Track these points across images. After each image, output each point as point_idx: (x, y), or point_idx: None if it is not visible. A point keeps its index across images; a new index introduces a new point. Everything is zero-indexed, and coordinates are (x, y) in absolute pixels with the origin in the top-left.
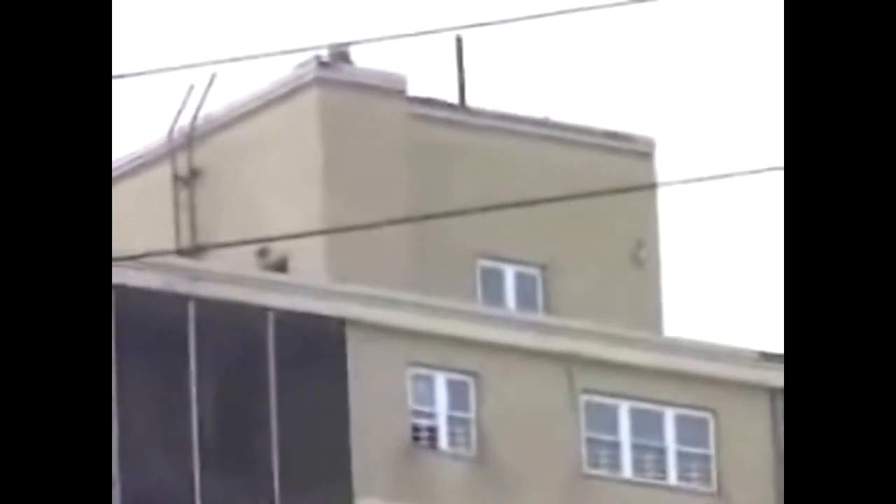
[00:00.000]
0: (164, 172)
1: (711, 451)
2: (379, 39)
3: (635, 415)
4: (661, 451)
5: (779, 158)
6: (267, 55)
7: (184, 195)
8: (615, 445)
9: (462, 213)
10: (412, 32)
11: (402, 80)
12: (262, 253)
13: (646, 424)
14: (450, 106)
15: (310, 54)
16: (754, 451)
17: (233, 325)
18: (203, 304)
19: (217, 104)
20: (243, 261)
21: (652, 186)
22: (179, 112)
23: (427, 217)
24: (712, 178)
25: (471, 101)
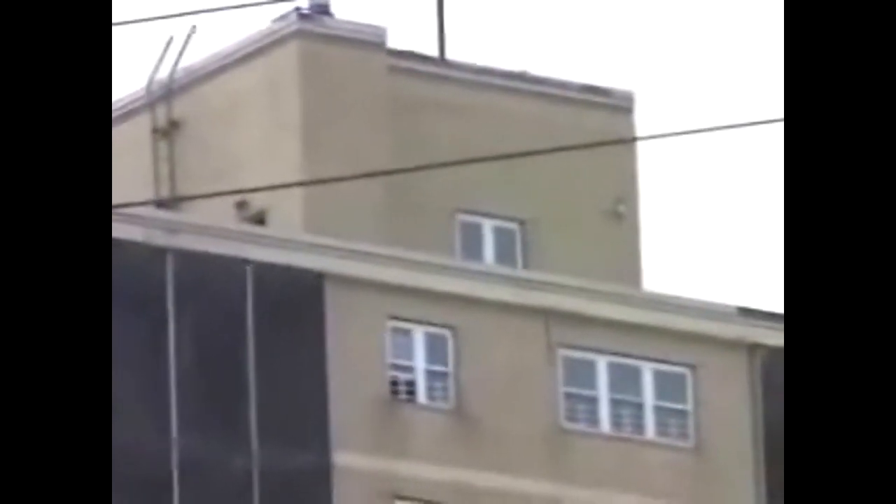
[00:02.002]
0: (143, 124)
1: (689, 406)
2: None
3: (613, 370)
4: (639, 407)
5: (764, 112)
6: (247, 6)
7: (163, 147)
8: (593, 400)
9: (440, 166)
10: None
11: (382, 33)
12: (241, 206)
13: (624, 379)
14: (430, 59)
15: (290, 6)
16: (732, 406)
17: (211, 278)
18: (181, 256)
19: (196, 56)
20: (222, 214)
21: (631, 140)
22: (158, 64)
23: (405, 170)
24: (692, 132)
25: (451, 55)
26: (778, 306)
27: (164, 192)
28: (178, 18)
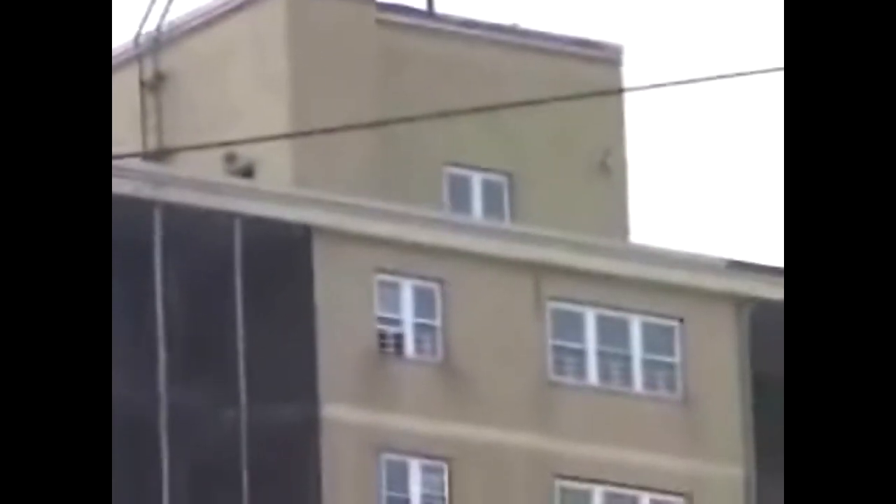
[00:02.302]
0: (130, 77)
1: (677, 359)
2: None
3: (601, 322)
4: (627, 359)
5: (750, 63)
6: None
7: (150, 100)
8: (581, 353)
9: (428, 117)
10: None
11: None
12: (229, 159)
13: (612, 332)
14: (418, 12)
15: None
16: (720, 358)
17: (199, 232)
18: (169, 209)
19: (184, 9)
20: (210, 167)
21: (619, 92)
22: (146, 17)
23: (393, 121)
24: (679, 82)
25: (439, 8)
26: (767, 259)
27: (152, 145)
28: None
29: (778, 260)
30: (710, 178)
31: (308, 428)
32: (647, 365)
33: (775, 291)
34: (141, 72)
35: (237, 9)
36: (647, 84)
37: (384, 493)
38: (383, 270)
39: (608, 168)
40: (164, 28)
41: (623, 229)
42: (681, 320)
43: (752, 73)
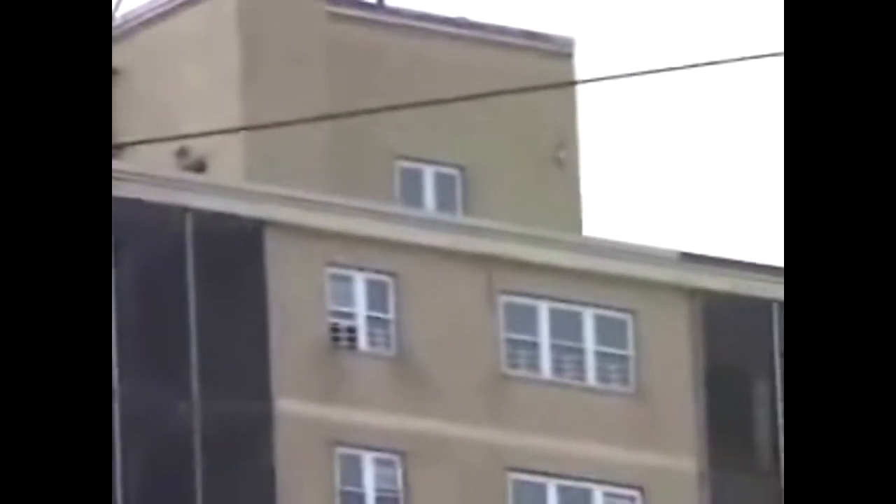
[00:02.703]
0: None
1: (630, 351)
2: None
3: (554, 315)
4: (580, 352)
5: (700, 55)
6: None
7: None
8: (534, 346)
9: (378, 111)
10: None
11: None
12: (181, 153)
13: (565, 325)
14: (369, 5)
15: None
16: (673, 351)
17: (151, 226)
18: (121, 204)
19: (135, 3)
20: (162, 162)
21: (570, 84)
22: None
23: (344, 115)
24: (629, 74)
25: (389, 1)
26: (719, 251)
27: None
28: None
29: (730, 252)
30: (663, 170)
31: (262, 422)
32: (601, 358)
33: (727, 283)
34: None
35: (189, 3)
36: (599, 76)
37: (338, 487)
38: (336, 264)
39: (561, 161)
40: (116, 23)
41: (576, 223)
42: (633, 313)
43: (701, 64)
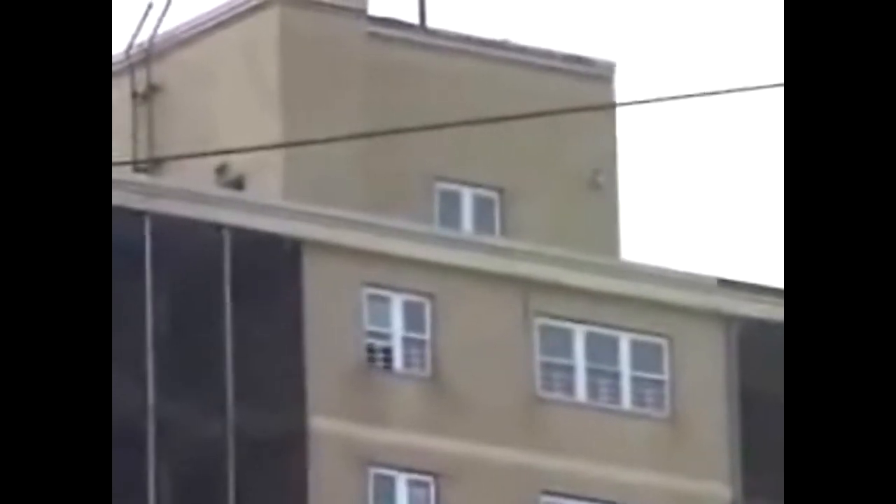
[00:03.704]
0: (122, 89)
1: (666, 376)
2: None
3: (590, 339)
4: (616, 376)
5: (741, 80)
6: None
7: (142, 111)
8: (570, 369)
9: (418, 129)
10: None
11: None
12: (221, 170)
13: (601, 349)
14: (410, 26)
15: None
16: (708, 377)
17: (189, 243)
18: (159, 220)
19: (176, 21)
20: (201, 179)
21: (610, 107)
22: (138, 28)
23: (383, 133)
24: (670, 98)
25: (431, 22)
26: (757, 278)
27: (143, 156)
28: None
29: (768, 279)
30: (702, 196)
31: (296, 440)
32: (636, 382)
33: (764, 310)
34: (133, 83)
35: (229, 21)
36: (639, 100)
37: None
38: (373, 284)
39: (599, 185)
40: (157, 40)
41: (613, 246)
42: (669, 338)
43: (743, 89)
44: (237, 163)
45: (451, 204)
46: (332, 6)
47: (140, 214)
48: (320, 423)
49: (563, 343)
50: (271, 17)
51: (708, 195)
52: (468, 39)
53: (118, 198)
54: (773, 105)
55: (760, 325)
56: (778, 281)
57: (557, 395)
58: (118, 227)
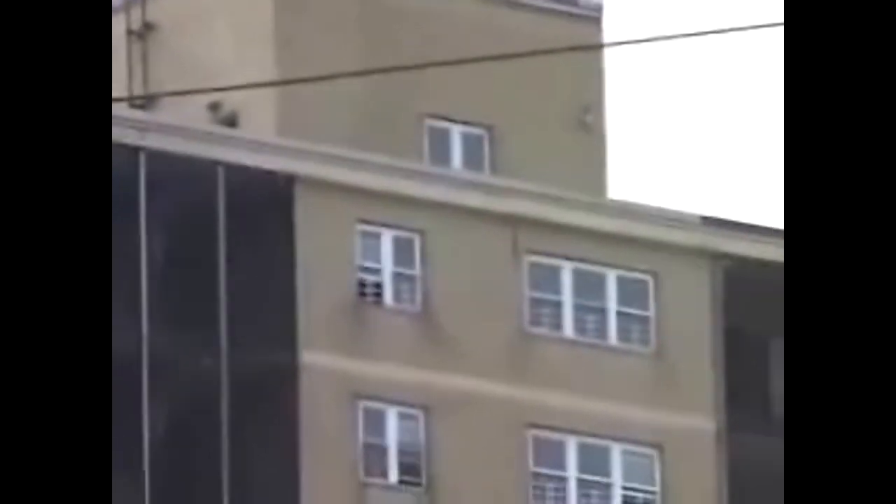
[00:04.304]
0: (118, 26)
1: (651, 312)
2: None
3: (577, 275)
4: (602, 312)
5: (724, 21)
6: None
7: (137, 49)
8: (557, 305)
9: (409, 68)
10: None
11: None
12: (214, 107)
13: (588, 285)
14: None
15: None
16: (693, 313)
17: (183, 179)
18: (153, 156)
19: None
20: (195, 116)
21: (598, 47)
22: None
23: (375, 72)
24: (656, 39)
25: None
26: (742, 216)
27: (138, 93)
28: None
29: (753, 217)
30: (689, 135)
31: (287, 374)
32: (622, 318)
33: (749, 248)
34: (128, 21)
35: None
36: (627, 40)
37: (361, 439)
38: (363, 220)
39: (587, 124)
40: None
41: (601, 185)
42: (655, 275)
43: (728, 30)
44: (230, 100)
45: (440, 141)
46: None
47: (135, 150)
48: (312, 358)
49: (550, 279)
50: None
51: (694, 135)
52: None
53: (114, 133)
54: (757, 45)
55: (745, 262)
56: (763, 219)
57: (545, 331)
58: (114, 163)
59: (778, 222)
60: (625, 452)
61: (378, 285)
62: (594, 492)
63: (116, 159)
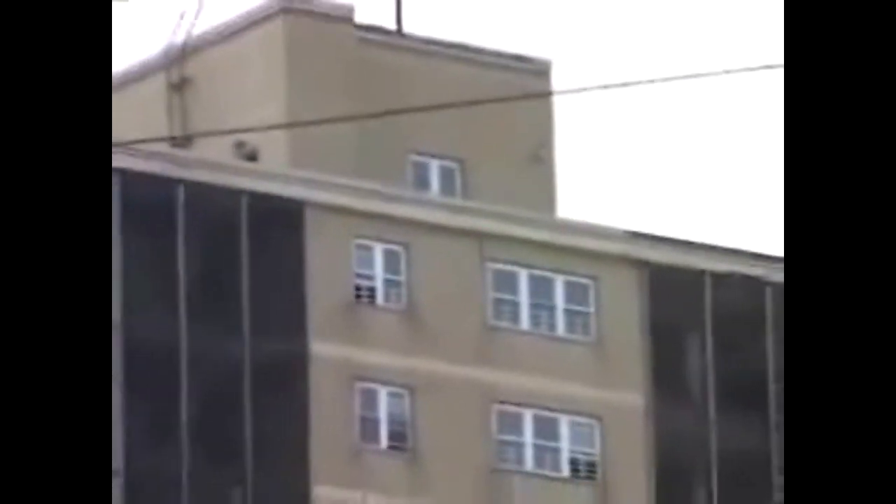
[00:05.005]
0: (160, 80)
1: (592, 309)
2: None
3: (532, 280)
4: (552, 309)
5: (649, 73)
6: None
7: (176, 99)
8: (515, 304)
9: (395, 113)
10: None
11: (350, 10)
12: (239, 146)
13: (540, 287)
14: (388, 32)
15: None
16: (625, 309)
17: (213, 204)
18: (190, 185)
19: (204, 27)
20: (222, 152)
21: (547, 94)
22: (173, 32)
23: (368, 116)
24: (598, 88)
25: (407, 28)
26: (665, 231)
27: (177, 134)
28: None
29: (673, 231)
30: (621, 165)
31: (298, 360)
32: (568, 314)
33: (670, 257)
34: (168, 76)
35: (245, 27)
36: (572, 89)
37: (358, 414)
38: (359, 236)
39: (540, 157)
40: (188, 41)
41: (551, 206)
42: (595, 279)
43: (650, 81)
44: (251, 140)
45: (421, 172)
46: (326, 16)
47: (175, 181)
48: (318, 347)
49: (510, 282)
50: (278, 24)
51: (626, 164)
52: (436, 42)
53: (157, 167)
54: (670, 94)
55: (668, 268)
56: (680, 232)
57: (506, 324)
58: (157, 191)
59: (692, 235)
60: (571, 423)
61: (371, 289)
62: (546, 455)
63: (160, 188)
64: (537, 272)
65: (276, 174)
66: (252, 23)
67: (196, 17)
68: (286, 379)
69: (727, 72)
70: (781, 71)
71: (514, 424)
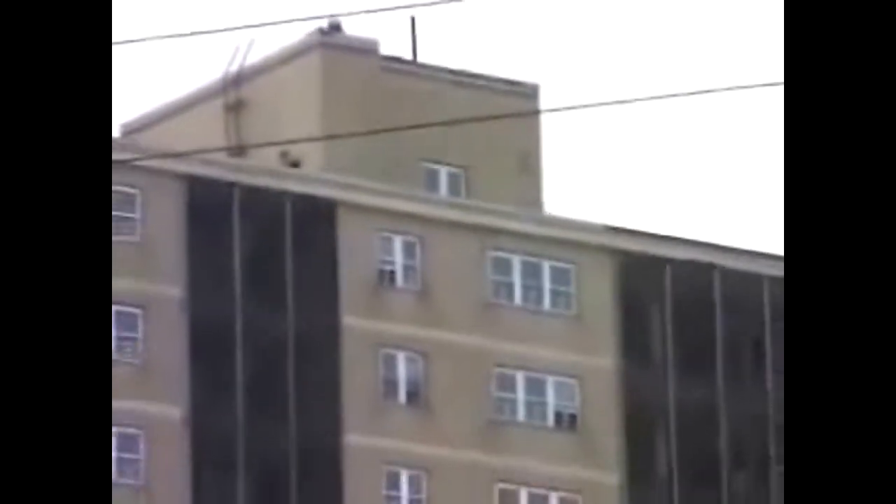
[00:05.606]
0: (219, 103)
1: (573, 289)
2: (366, 12)
3: (524, 265)
4: (540, 288)
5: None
6: (283, 22)
7: (232, 118)
8: (510, 284)
9: (409, 128)
10: (389, 7)
11: (374, 44)
12: (283, 155)
13: (531, 272)
14: (407, 62)
15: (314, 25)
16: (601, 291)
17: (262, 203)
18: (244, 188)
19: (254, 58)
20: (271, 160)
21: (536, 113)
22: (230, 62)
23: (389, 130)
24: (580, 107)
25: (421, 58)
26: (637, 224)
27: (233, 145)
28: (242, 31)
29: (644, 225)
30: (600, 168)
31: (332, 331)
32: (554, 293)
33: (638, 246)
34: (226, 99)
35: (288, 58)
36: (557, 108)
37: (381, 375)
38: (382, 230)
39: (530, 165)
40: (242, 70)
41: (539, 204)
42: (576, 264)
43: (631, 101)
44: (294, 150)
45: (432, 177)
46: (355, 49)
47: (231, 184)
48: (349, 320)
49: (505, 267)
50: (315, 56)
51: (602, 170)
52: (444, 70)
53: (216, 173)
54: (642, 113)
55: (636, 255)
56: (650, 226)
57: (503, 301)
58: (217, 193)
59: (658, 228)
60: (556, 382)
61: (392, 272)
62: (535, 409)
63: (218, 191)
64: (528, 258)
65: (314, 178)
66: (294, 55)
67: (248, 51)
68: (322, 346)
69: (690, 93)
70: (752, 91)
71: (509, 384)
